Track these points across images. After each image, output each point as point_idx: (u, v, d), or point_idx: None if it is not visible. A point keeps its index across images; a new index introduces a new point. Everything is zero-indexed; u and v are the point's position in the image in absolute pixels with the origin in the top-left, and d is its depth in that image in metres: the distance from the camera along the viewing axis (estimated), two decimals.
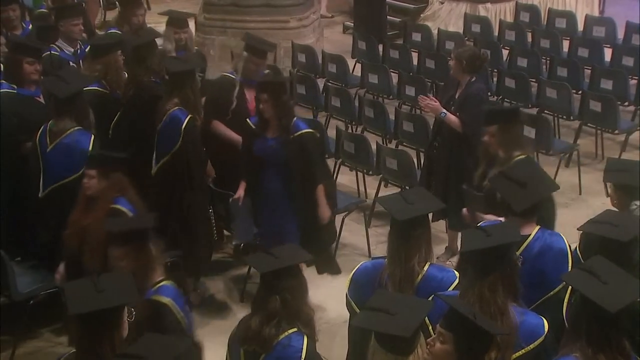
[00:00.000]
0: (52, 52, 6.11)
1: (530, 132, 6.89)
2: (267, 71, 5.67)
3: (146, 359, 2.64)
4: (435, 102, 5.63)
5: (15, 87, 5.24)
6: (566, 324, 3.14)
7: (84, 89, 5.08)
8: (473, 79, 5.61)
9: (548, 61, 8.58)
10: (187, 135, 5.09)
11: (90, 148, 4.77)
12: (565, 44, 9.06)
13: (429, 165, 5.89)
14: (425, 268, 3.38)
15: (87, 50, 5.94)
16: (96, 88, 5.48)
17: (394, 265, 3.37)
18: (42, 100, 5.29)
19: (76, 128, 4.84)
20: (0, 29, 6.36)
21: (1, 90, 5.21)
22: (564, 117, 7.65)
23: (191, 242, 5.22)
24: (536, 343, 3.00)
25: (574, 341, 2.76)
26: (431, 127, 6.33)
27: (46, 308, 4.83)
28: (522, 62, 8.47)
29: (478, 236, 3.14)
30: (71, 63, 6.23)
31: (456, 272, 3.45)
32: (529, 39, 9.32)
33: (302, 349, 3.06)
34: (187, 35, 6.40)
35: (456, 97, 5.65)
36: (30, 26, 6.79)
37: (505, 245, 3.07)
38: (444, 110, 5.56)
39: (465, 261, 3.24)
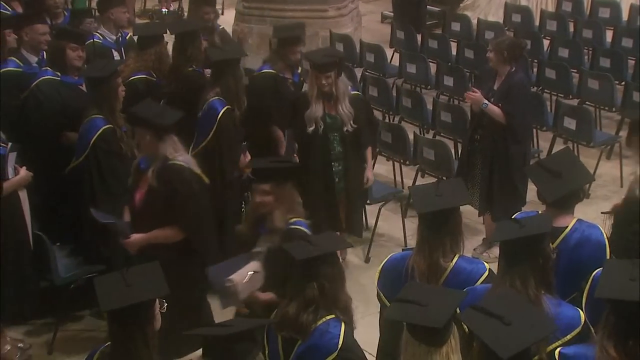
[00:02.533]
0: (94, 39, 6.20)
1: (570, 123, 6.81)
2: None
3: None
4: (477, 93, 5.58)
5: (59, 74, 5.33)
6: (583, 315, 3.11)
7: (133, 77, 5.17)
8: (513, 69, 5.55)
9: (590, 52, 8.44)
10: (221, 126, 5.09)
11: (93, 139, 4.81)
12: (609, 34, 8.90)
13: (468, 157, 5.83)
14: (454, 260, 3.36)
15: (136, 39, 5.98)
16: (145, 76, 5.57)
17: (419, 257, 3.36)
18: (84, 88, 5.37)
19: (94, 115, 4.87)
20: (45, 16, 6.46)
21: (46, 77, 5.31)
22: (606, 108, 7.53)
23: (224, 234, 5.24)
24: (573, 334, 2.97)
25: (598, 334, 2.73)
26: (469, 118, 6.29)
27: (87, 292, 4.91)
28: (564, 53, 8.35)
29: (511, 227, 3.11)
30: (114, 51, 6.33)
31: (486, 264, 3.42)
32: (571, 29, 9.18)
33: (339, 335, 3.06)
34: (330, 80, 5.30)
35: (495, 88, 5.60)
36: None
37: (535, 236, 3.04)
38: (486, 101, 5.51)
39: (499, 252, 3.21)
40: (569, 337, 2.96)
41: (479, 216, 5.91)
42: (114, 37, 6.44)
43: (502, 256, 3.10)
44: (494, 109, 5.50)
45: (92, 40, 6.09)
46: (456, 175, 5.94)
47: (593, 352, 2.69)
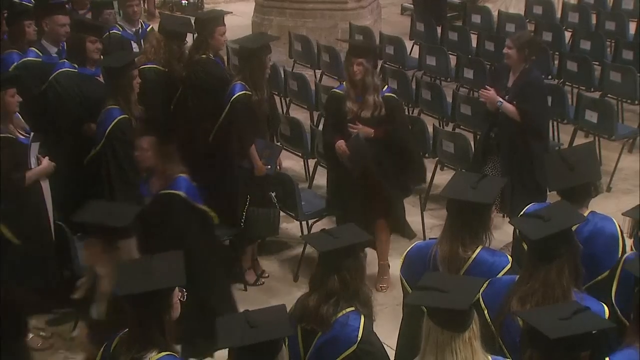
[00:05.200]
0: (112, 31, 6.22)
1: (592, 116, 6.75)
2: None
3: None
4: (490, 90, 5.48)
5: (77, 66, 5.36)
6: (616, 310, 3.07)
7: (144, 67, 5.20)
8: (527, 66, 5.45)
9: (613, 44, 8.35)
10: (233, 109, 5.17)
11: (108, 129, 4.87)
12: (632, 26, 8.80)
13: (483, 155, 5.73)
14: (477, 251, 3.34)
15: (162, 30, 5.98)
16: (155, 66, 5.59)
17: (441, 245, 3.36)
18: (102, 79, 5.40)
19: (110, 106, 4.92)
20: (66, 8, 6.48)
21: (63, 69, 5.34)
22: (628, 101, 7.45)
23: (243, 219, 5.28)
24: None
25: (638, 332, 2.70)
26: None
27: None
28: (586, 45, 8.26)
29: (537, 223, 3.07)
30: (133, 43, 6.35)
31: (509, 257, 3.40)
32: (593, 21, 9.08)
33: (359, 328, 3.07)
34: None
35: (509, 85, 5.51)
36: None
37: (570, 228, 3.03)
38: (501, 99, 5.42)
39: (528, 248, 3.17)
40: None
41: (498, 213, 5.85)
42: (134, 29, 6.46)
43: (532, 252, 3.06)
44: (509, 107, 5.40)
45: (108, 32, 6.11)
46: (470, 170, 5.87)
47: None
